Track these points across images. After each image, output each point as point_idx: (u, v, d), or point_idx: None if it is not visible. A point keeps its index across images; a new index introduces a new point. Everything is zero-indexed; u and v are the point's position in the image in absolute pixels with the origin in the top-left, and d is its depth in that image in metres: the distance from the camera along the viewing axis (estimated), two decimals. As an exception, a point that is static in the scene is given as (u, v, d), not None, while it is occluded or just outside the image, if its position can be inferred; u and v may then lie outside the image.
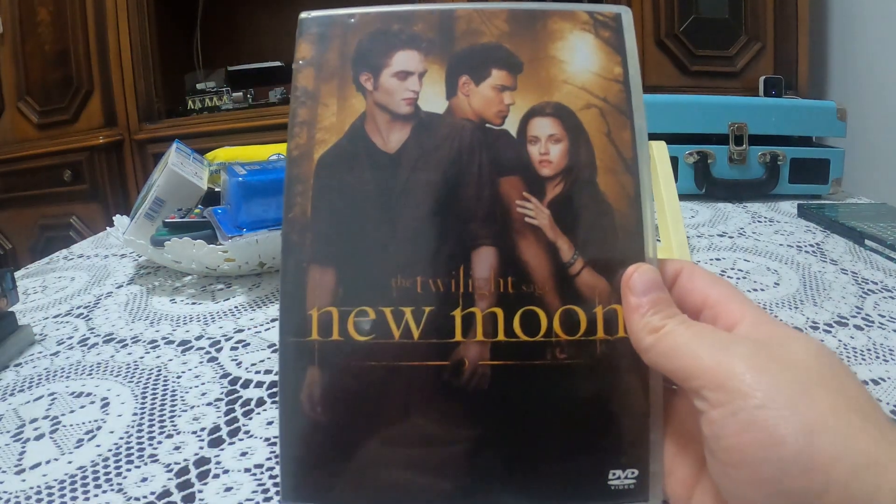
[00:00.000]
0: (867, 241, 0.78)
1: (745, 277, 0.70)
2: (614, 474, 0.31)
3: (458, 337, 0.32)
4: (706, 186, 1.06)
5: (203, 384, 0.52)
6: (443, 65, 0.34)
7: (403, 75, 0.34)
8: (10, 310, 0.63)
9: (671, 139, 1.00)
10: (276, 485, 0.40)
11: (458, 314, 0.32)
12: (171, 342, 0.60)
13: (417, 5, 0.36)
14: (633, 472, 0.31)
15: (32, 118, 2.22)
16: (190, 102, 2.29)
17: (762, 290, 0.67)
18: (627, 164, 0.34)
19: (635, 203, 0.33)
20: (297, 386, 0.32)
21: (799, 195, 1.07)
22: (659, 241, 0.77)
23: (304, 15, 0.36)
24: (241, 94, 2.30)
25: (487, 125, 0.34)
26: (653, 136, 0.84)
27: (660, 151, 0.79)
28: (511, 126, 0.34)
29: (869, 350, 0.53)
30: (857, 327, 0.57)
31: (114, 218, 0.87)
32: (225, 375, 0.53)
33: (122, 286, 0.77)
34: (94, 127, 2.20)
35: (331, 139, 0.34)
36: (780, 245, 0.81)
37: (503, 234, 0.33)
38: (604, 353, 0.32)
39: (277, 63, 2.35)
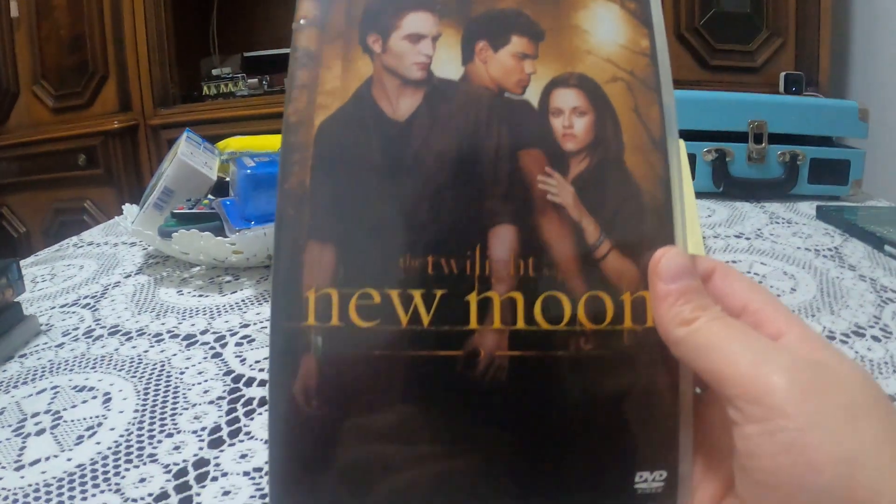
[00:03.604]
0: (886, 247, 0.77)
1: (760, 282, 0.69)
2: (641, 476, 0.29)
3: (474, 324, 0.29)
4: (724, 185, 1.04)
5: (206, 381, 0.51)
6: (458, 29, 0.31)
7: (415, 38, 0.31)
8: (16, 300, 0.62)
9: (689, 136, 0.98)
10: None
11: (473, 298, 0.29)
12: (176, 336, 0.60)
13: None
14: (661, 475, 0.29)
15: (48, 102, 2.23)
16: (205, 88, 2.28)
17: (778, 295, 0.65)
18: (656, 142, 0.31)
19: (665, 184, 0.31)
20: (289, 377, 0.28)
21: (818, 196, 1.05)
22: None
23: None
24: (256, 80, 2.29)
25: (506, 94, 0.31)
26: (670, 134, 0.83)
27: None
28: (532, 96, 0.31)
29: (886, 363, 0.52)
30: (875, 338, 0.56)
31: (123, 206, 0.86)
32: (228, 373, 0.53)
33: (130, 276, 0.77)
34: (109, 112, 2.20)
35: (333, 104, 0.30)
36: (798, 248, 0.80)
37: (523, 212, 0.30)
38: (631, 344, 0.29)
39: (293, 50, 2.34)
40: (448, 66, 0.31)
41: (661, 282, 0.29)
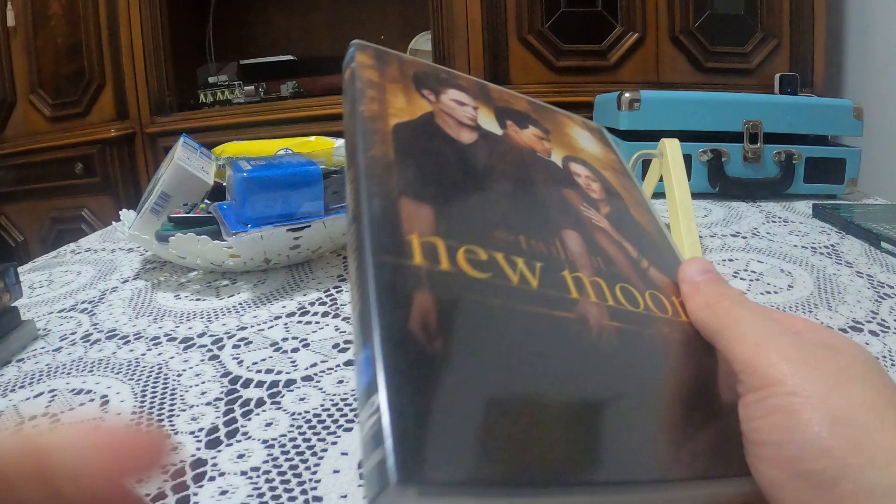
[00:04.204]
0: (883, 244, 0.77)
1: (757, 279, 0.69)
2: None
3: (575, 294, 0.29)
4: (720, 185, 1.04)
5: (203, 383, 0.51)
6: (490, 109, 0.37)
7: (459, 103, 0.36)
8: (14, 305, 0.62)
9: (685, 136, 0.99)
10: (273, 489, 0.39)
11: (567, 275, 0.30)
12: (174, 339, 0.60)
13: (457, 73, 0.39)
14: None
15: (44, 111, 2.23)
16: (202, 96, 2.29)
17: (775, 292, 0.65)
18: (646, 207, 0.39)
19: (664, 235, 0.38)
20: (402, 312, 0.23)
21: (814, 195, 1.06)
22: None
23: (356, 41, 0.36)
24: (252, 87, 2.29)
25: (538, 154, 0.37)
26: (666, 134, 0.83)
27: (673, 149, 0.78)
28: (556, 161, 0.38)
29: (884, 357, 0.52)
30: (873, 333, 0.56)
31: (120, 212, 0.86)
32: (226, 374, 0.52)
33: (127, 281, 0.77)
34: (106, 120, 2.20)
35: (404, 117, 0.32)
36: (795, 246, 0.80)
37: (579, 225, 0.34)
38: (694, 334, 0.32)
39: (290, 57, 2.34)
40: (490, 126, 0.36)
41: (688, 282, 0.33)
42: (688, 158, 1.04)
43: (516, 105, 0.39)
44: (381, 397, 0.20)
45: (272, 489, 0.39)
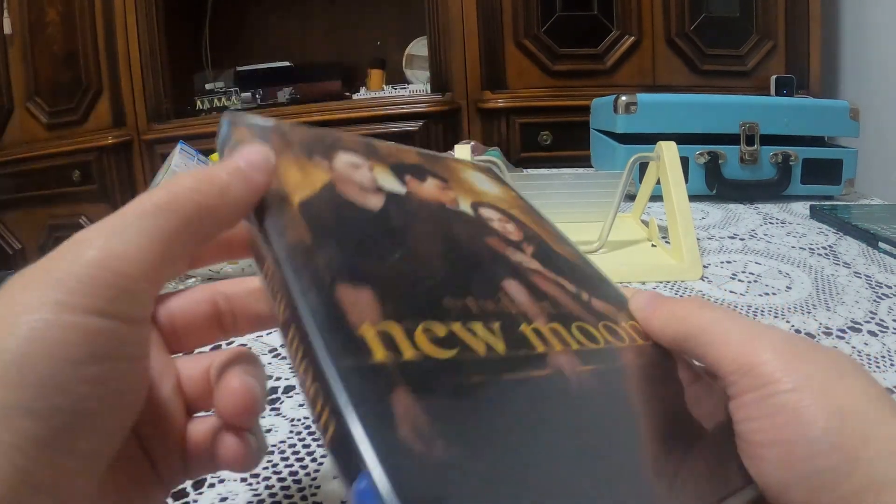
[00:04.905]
0: (881, 244, 0.77)
1: (756, 281, 0.69)
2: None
3: (541, 348, 0.27)
4: (717, 187, 1.05)
5: (202, 390, 0.51)
6: (385, 166, 0.34)
7: (353, 166, 0.32)
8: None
9: (682, 139, 0.99)
10: (273, 495, 0.39)
11: (526, 329, 0.28)
12: (172, 346, 0.59)
13: (340, 134, 0.35)
14: None
15: (42, 118, 2.23)
16: (199, 102, 2.29)
17: (774, 293, 0.65)
18: (562, 237, 0.39)
19: (588, 262, 0.37)
20: (384, 421, 0.20)
21: (811, 196, 1.06)
22: (668, 243, 0.76)
23: (227, 113, 0.32)
24: (249, 94, 2.29)
25: (447, 206, 0.35)
26: (663, 137, 0.83)
27: (670, 152, 0.78)
28: (466, 210, 0.35)
29: (884, 357, 0.52)
30: (871, 333, 0.56)
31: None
32: (225, 381, 0.52)
33: (125, 288, 0.77)
34: (103, 127, 2.20)
35: (304, 192, 0.29)
36: (793, 247, 0.80)
37: (515, 273, 0.32)
38: (655, 355, 0.32)
39: (286, 63, 2.35)
40: (391, 184, 0.33)
41: (645, 308, 0.33)
42: (685, 161, 1.04)
43: (407, 158, 0.36)
44: None
45: (272, 495, 0.39)
